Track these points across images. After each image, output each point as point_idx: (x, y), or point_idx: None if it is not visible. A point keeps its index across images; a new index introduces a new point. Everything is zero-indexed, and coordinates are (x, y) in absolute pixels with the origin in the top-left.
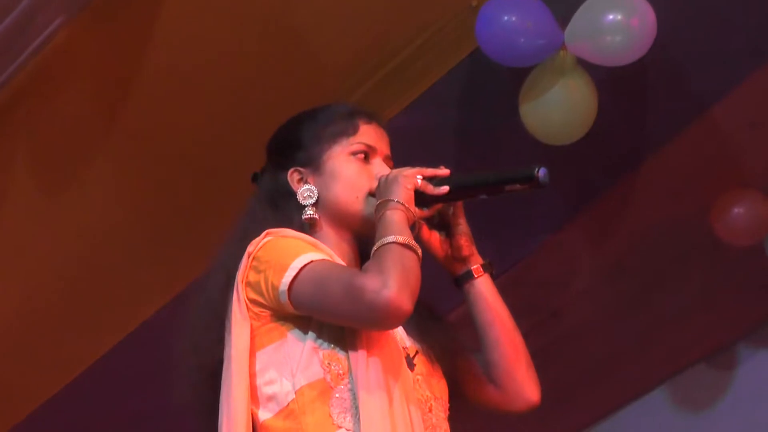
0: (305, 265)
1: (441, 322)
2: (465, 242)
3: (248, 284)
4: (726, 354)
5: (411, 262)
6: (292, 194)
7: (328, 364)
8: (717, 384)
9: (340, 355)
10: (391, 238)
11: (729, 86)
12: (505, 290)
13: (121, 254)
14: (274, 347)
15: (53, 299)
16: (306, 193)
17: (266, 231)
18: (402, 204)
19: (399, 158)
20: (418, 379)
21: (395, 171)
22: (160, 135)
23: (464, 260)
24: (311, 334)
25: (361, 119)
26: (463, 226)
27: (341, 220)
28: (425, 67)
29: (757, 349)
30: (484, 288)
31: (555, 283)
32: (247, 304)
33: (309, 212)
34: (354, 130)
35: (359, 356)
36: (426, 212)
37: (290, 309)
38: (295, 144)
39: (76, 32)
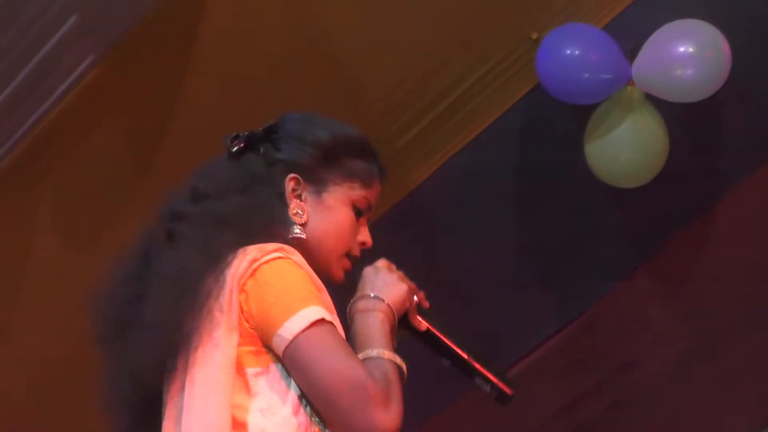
0: (315, 323)
1: None
2: None
3: (244, 291)
4: None
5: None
6: (283, 202)
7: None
8: None
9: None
10: (397, 360)
11: None
12: (572, 340)
13: None
14: (253, 372)
15: (78, 365)
16: (296, 210)
17: (279, 246)
18: (395, 316)
19: (457, 201)
20: None
21: (398, 274)
22: None
23: None
24: (294, 386)
25: (380, 174)
26: None
27: (312, 256)
28: (482, 105)
29: None
30: None
31: (626, 333)
32: (240, 312)
33: (297, 231)
34: (371, 182)
35: None
36: None
37: (276, 353)
38: (314, 150)
39: (106, 72)
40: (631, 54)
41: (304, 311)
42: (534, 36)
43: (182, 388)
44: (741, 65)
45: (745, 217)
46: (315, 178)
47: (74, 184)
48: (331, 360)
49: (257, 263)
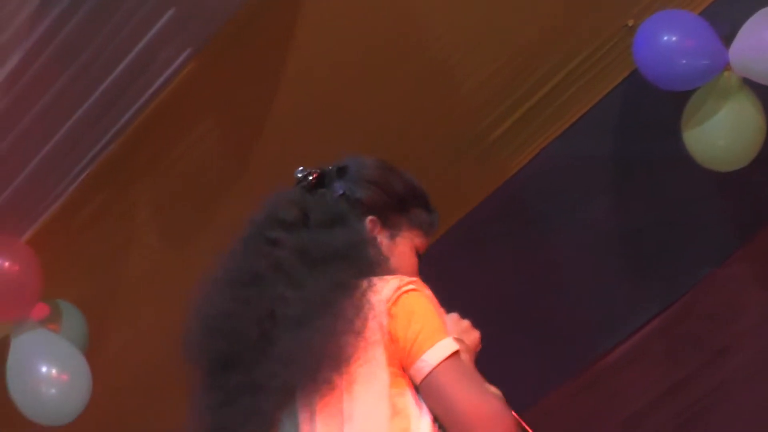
0: (455, 353)
1: None
2: None
3: (390, 315)
4: None
5: None
6: (366, 240)
7: None
8: None
9: None
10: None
11: None
12: (669, 325)
13: None
14: (395, 393)
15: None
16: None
17: (415, 278)
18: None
19: (554, 188)
20: None
21: (467, 322)
22: None
23: None
24: (427, 411)
25: (436, 226)
26: None
27: None
28: (579, 93)
29: None
30: None
31: (723, 318)
32: (388, 335)
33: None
34: (430, 232)
35: None
36: None
37: (414, 377)
38: (390, 197)
39: (203, 66)
40: (728, 39)
41: (445, 341)
42: (630, 23)
43: (340, 401)
44: None
45: None
46: (390, 223)
47: (171, 181)
48: (473, 390)
49: (400, 291)
